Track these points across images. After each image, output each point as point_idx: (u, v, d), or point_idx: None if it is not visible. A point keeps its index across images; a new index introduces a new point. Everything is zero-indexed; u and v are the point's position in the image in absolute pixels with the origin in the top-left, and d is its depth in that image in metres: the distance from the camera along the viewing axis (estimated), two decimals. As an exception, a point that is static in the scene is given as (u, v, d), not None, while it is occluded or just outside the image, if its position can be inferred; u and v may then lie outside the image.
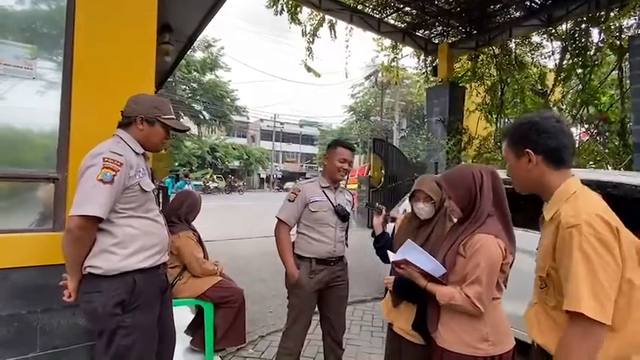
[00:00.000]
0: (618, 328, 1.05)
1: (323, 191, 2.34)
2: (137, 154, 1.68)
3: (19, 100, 2.04)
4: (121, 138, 1.66)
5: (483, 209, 1.49)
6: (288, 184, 33.64)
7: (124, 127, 1.70)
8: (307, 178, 3.04)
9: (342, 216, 2.34)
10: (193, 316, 3.12)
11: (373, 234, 2.13)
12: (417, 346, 1.73)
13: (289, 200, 2.33)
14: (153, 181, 1.77)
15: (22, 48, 1.98)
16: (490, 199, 1.50)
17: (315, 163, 44.27)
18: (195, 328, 2.97)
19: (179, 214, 2.87)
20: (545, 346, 1.17)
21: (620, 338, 1.06)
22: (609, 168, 6.51)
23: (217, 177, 31.23)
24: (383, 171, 10.68)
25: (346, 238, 2.43)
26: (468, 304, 1.41)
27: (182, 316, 3.03)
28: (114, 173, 1.52)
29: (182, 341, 2.74)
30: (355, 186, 11.49)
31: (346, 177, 2.52)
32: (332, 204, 2.32)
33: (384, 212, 2.14)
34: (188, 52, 6.98)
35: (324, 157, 2.45)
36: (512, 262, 1.51)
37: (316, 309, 2.40)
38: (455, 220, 1.71)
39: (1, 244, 1.85)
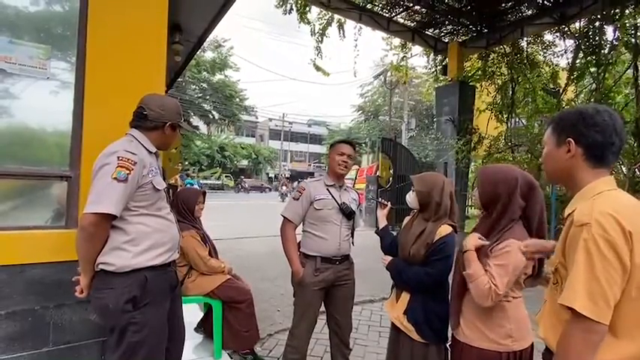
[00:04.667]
0: (622, 335, 1.02)
1: (327, 189, 2.37)
2: (150, 152, 1.70)
3: (34, 99, 2.07)
4: (133, 137, 1.68)
5: (509, 215, 1.51)
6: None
7: (143, 129, 1.71)
8: (303, 179, 3.07)
9: (347, 214, 2.36)
10: (202, 314, 3.14)
11: (377, 228, 2.21)
12: (414, 342, 1.78)
13: (294, 198, 2.37)
14: (164, 179, 1.79)
15: (36, 48, 2.01)
16: (517, 205, 1.51)
17: (323, 163, 44.28)
18: (207, 324, 2.99)
19: (179, 210, 2.86)
20: (546, 340, 1.17)
21: (624, 347, 1.02)
22: (623, 169, 6.38)
23: (226, 176, 31.87)
24: (391, 171, 10.65)
25: (352, 236, 2.45)
26: (483, 285, 1.41)
27: (191, 313, 3.06)
28: (128, 172, 1.54)
29: (192, 338, 2.77)
30: (363, 186, 11.44)
31: (349, 172, 2.56)
32: (336, 202, 2.34)
33: (389, 206, 2.28)
34: (198, 53, 7.04)
35: (328, 157, 2.49)
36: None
37: (323, 308, 2.41)
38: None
39: (15, 240, 1.89)
